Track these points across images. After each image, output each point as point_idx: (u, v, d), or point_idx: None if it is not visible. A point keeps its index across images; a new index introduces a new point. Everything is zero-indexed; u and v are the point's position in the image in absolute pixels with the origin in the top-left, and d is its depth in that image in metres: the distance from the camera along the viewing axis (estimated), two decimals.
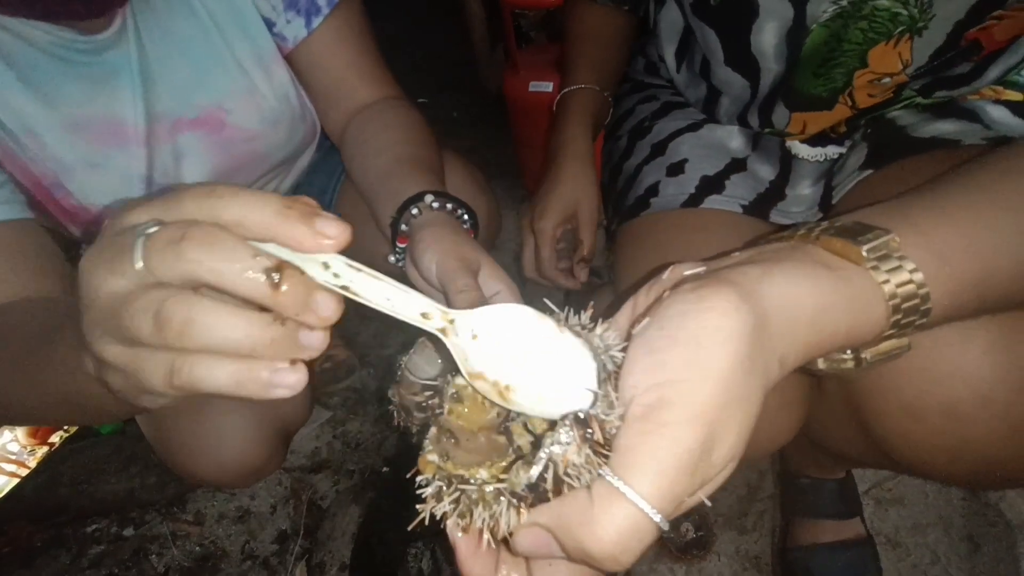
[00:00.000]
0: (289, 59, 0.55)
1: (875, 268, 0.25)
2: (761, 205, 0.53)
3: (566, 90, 0.62)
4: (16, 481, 0.88)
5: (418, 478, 0.24)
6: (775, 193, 0.54)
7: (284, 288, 0.20)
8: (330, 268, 0.22)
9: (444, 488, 0.23)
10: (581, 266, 0.60)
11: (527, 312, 0.24)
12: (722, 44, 0.49)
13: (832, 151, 0.53)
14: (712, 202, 0.52)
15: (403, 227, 0.42)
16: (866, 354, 0.26)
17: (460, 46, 1.39)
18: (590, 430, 0.21)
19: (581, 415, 0.21)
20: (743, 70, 0.50)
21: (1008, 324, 0.34)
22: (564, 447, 0.20)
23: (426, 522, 0.23)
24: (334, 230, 0.20)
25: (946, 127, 0.42)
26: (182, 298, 0.20)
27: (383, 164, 0.50)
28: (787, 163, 0.55)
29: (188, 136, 0.51)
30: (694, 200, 0.52)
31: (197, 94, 0.50)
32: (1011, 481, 0.37)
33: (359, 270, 0.22)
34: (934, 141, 0.42)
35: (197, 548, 0.82)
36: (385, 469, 0.86)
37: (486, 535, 0.22)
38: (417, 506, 0.24)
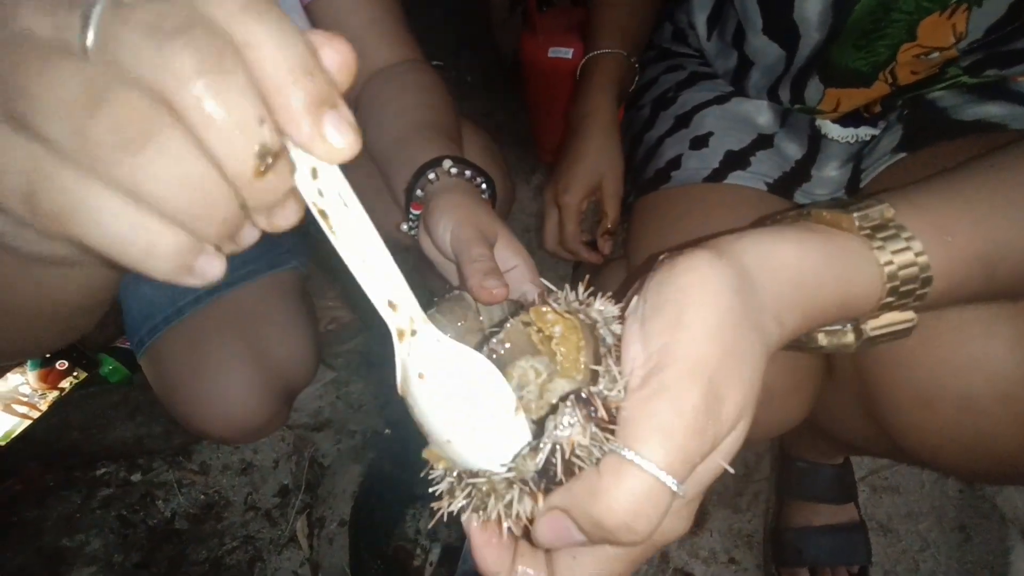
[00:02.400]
0: (308, 11, 0.53)
1: (869, 236, 0.24)
2: (786, 184, 0.51)
3: (591, 54, 0.59)
4: (28, 423, 0.90)
5: (431, 473, 0.23)
6: (801, 173, 0.52)
7: (268, 178, 0.15)
8: (318, 180, 0.17)
9: (456, 483, 0.22)
10: (605, 239, 0.59)
11: (494, 376, 0.21)
12: (762, 10, 0.47)
13: (864, 132, 0.51)
14: (736, 178, 0.50)
15: (418, 193, 0.41)
16: (866, 326, 0.26)
17: (478, 6, 1.34)
18: (592, 408, 0.20)
19: (583, 395, 0.20)
20: (781, 39, 0.47)
21: None
22: (568, 429, 0.20)
23: (445, 519, 0.23)
24: (345, 138, 0.15)
25: (992, 110, 0.40)
26: (144, 94, 0.13)
27: (400, 128, 0.48)
28: (815, 142, 0.53)
29: None
30: (717, 175, 0.51)
31: None
32: (1020, 478, 0.36)
33: (347, 205, 0.18)
34: (977, 125, 0.40)
35: (202, 496, 0.84)
36: (387, 431, 0.87)
37: (505, 525, 0.22)
38: (432, 504, 0.23)
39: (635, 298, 0.22)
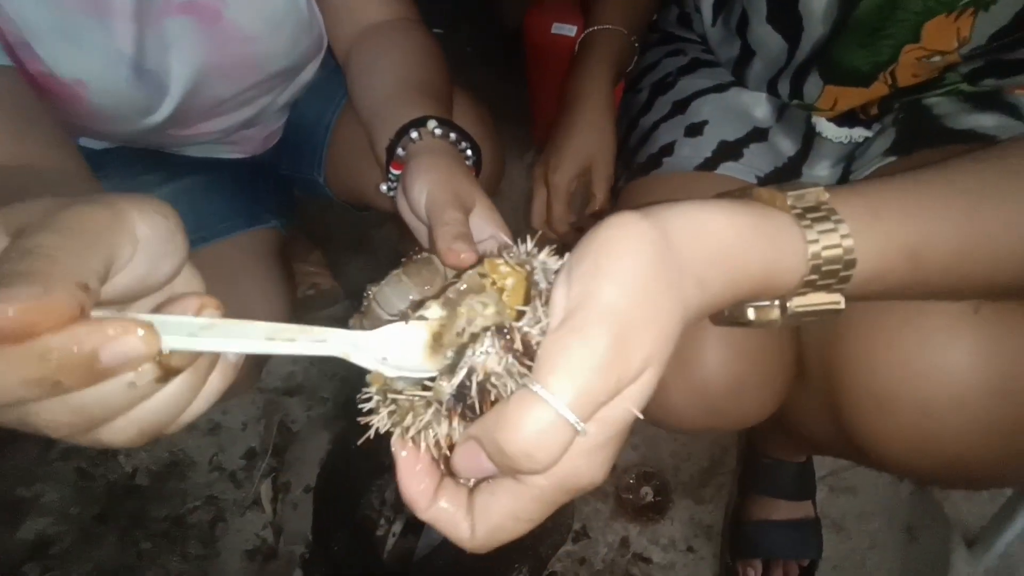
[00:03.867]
0: None
1: (799, 215, 0.25)
2: (776, 179, 0.51)
3: (591, 30, 0.58)
4: None
5: (363, 391, 0.25)
6: (791, 170, 0.52)
7: (174, 380, 0.18)
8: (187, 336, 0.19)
9: (381, 401, 0.24)
10: (592, 220, 0.58)
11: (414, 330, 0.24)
12: None
13: (859, 134, 0.51)
14: (727, 169, 0.50)
15: (400, 152, 0.39)
16: (791, 303, 0.27)
17: None
18: (510, 339, 0.21)
19: (504, 327, 0.21)
20: (784, 30, 0.47)
21: (995, 330, 0.33)
22: (483, 356, 0.21)
23: (371, 437, 0.24)
24: (130, 349, 0.16)
25: (985, 120, 0.40)
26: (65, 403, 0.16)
27: (388, 86, 0.46)
28: (809, 140, 0.53)
29: (177, 22, 0.47)
30: (709, 164, 0.50)
31: None
32: (973, 482, 0.38)
33: (212, 325, 0.19)
34: (969, 134, 0.40)
35: (166, 454, 0.83)
36: (358, 400, 0.86)
37: (422, 445, 0.23)
38: (358, 419, 0.24)
39: (567, 253, 0.24)
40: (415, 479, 0.23)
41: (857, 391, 0.37)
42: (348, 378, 0.90)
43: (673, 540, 0.75)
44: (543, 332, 0.21)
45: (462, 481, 0.24)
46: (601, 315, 0.20)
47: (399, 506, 0.74)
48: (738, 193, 0.29)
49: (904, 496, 0.77)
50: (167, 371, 0.18)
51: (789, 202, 0.26)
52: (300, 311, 0.91)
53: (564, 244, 0.64)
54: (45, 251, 0.15)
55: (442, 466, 0.24)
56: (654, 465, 0.80)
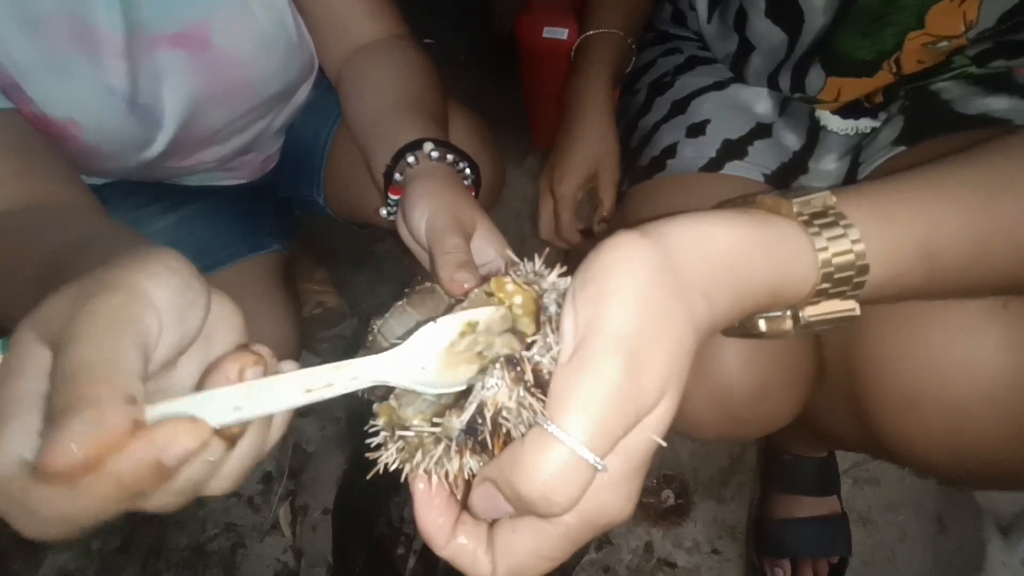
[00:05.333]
0: None
1: (806, 222, 0.24)
2: (784, 176, 0.50)
3: (587, 34, 0.57)
4: None
5: (372, 423, 0.24)
6: (798, 165, 0.51)
7: (241, 441, 0.20)
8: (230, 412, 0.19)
9: (389, 437, 0.23)
10: (602, 227, 0.58)
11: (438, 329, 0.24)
12: None
13: (864, 124, 0.49)
14: (733, 168, 0.49)
15: (397, 176, 0.39)
16: (804, 313, 0.26)
17: None
18: (520, 371, 0.20)
19: (514, 358, 0.21)
20: (784, 23, 0.46)
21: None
22: (493, 390, 0.21)
23: (381, 472, 0.24)
24: (182, 441, 0.17)
25: (997, 104, 0.39)
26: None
27: (381, 107, 0.46)
28: (814, 134, 0.52)
29: (168, 54, 0.46)
30: (714, 164, 0.49)
31: (180, 5, 0.45)
32: (1006, 482, 0.36)
33: (252, 389, 0.20)
34: (981, 119, 0.39)
35: None
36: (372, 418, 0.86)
37: (434, 480, 0.22)
38: (366, 454, 0.24)
39: (570, 277, 0.23)
40: (432, 513, 0.23)
41: (883, 391, 0.36)
42: (359, 397, 0.89)
43: (697, 543, 0.74)
44: (554, 360, 0.21)
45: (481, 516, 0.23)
46: (610, 344, 0.19)
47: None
48: (740, 201, 0.28)
49: (932, 485, 0.76)
50: (231, 438, 0.19)
51: (795, 209, 0.25)
52: (307, 331, 0.91)
53: (574, 252, 0.63)
54: (85, 369, 0.16)
55: (459, 498, 0.23)
56: (673, 467, 0.79)
